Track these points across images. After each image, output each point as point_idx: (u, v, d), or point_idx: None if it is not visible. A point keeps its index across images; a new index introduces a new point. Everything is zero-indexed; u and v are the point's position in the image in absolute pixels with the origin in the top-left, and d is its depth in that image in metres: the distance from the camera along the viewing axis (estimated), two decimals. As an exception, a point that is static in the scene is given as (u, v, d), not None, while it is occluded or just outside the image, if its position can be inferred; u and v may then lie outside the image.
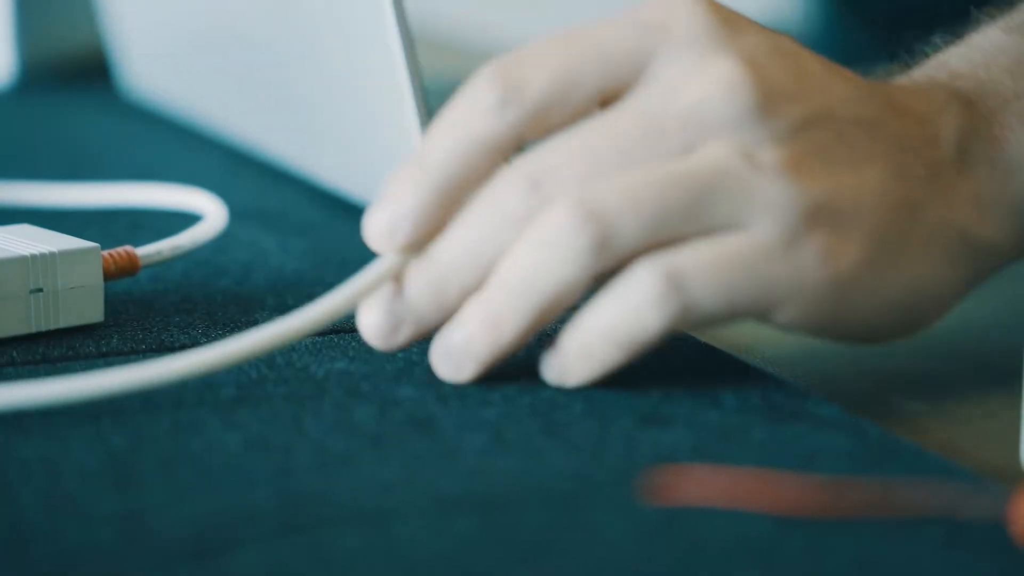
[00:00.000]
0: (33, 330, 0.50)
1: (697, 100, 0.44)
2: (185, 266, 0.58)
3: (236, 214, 0.60)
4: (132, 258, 0.52)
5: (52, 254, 0.50)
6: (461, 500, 0.39)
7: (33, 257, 0.49)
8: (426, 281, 0.46)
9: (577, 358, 0.45)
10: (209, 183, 0.69)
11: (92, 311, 0.51)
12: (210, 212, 0.58)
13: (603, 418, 0.44)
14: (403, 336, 0.46)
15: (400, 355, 0.49)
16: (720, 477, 0.39)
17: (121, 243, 0.53)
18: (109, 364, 0.46)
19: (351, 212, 0.67)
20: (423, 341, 0.47)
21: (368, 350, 0.49)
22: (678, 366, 0.48)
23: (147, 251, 0.53)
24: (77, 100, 0.96)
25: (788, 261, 0.44)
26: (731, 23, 0.45)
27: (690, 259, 0.43)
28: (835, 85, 0.46)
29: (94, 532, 0.37)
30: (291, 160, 0.73)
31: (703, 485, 0.38)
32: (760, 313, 0.45)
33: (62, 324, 0.50)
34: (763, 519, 0.37)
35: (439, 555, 0.36)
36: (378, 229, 0.46)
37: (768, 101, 0.44)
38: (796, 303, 0.44)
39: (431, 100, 0.59)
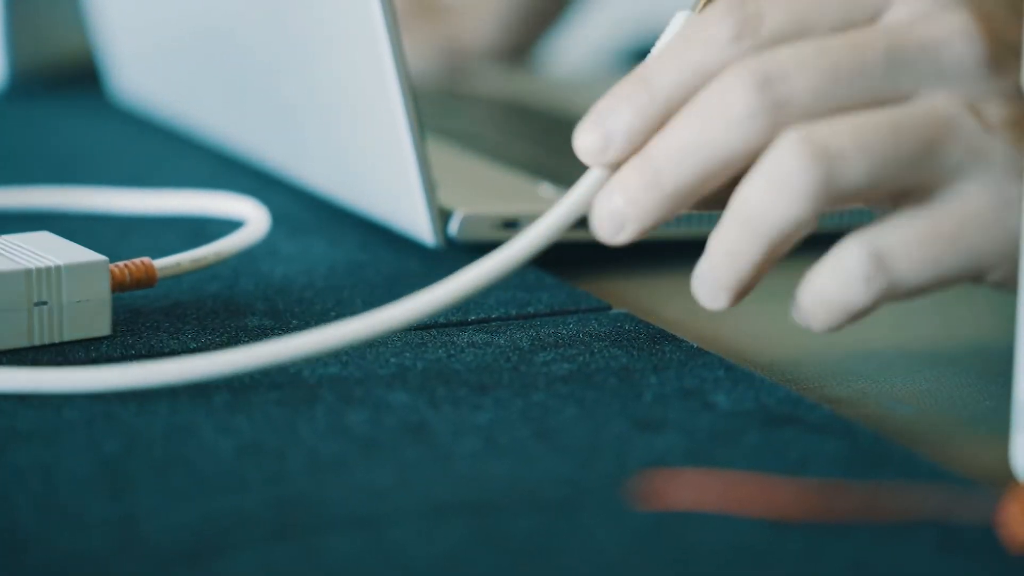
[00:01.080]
0: (35, 342, 0.49)
1: (936, 40, 0.44)
2: (175, 271, 0.58)
3: (225, 218, 0.60)
4: (149, 269, 0.52)
5: (57, 267, 0.49)
6: (454, 505, 0.39)
7: (37, 270, 0.49)
8: (641, 180, 0.46)
9: (807, 315, 0.46)
10: (198, 186, 0.69)
11: (99, 324, 0.51)
12: (251, 218, 0.59)
13: (595, 422, 0.44)
14: (628, 233, 0.48)
15: (393, 360, 0.49)
16: (713, 481, 0.39)
17: (169, 252, 0.53)
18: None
19: (340, 217, 0.67)
20: (410, 344, 0.47)
21: (361, 355, 0.49)
22: (671, 370, 0.48)
23: (165, 263, 0.53)
24: (67, 106, 0.96)
25: (1000, 225, 0.44)
26: None
27: (897, 237, 0.44)
28: None
29: (88, 537, 0.37)
30: (280, 165, 0.73)
31: (695, 489, 0.38)
32: (971, 278, 0.45)
33: (67, 337, 0.50)
34: (756, 523, 0.37)
35: (432, 560, 0.36)
36: (591, 145, 0.47)
37: (1000, 57, 0.44)
38: (1007, 266, 0.44)
39: (420, 103, 0.59)
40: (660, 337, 0.52)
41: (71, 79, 1.01)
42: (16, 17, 1.01)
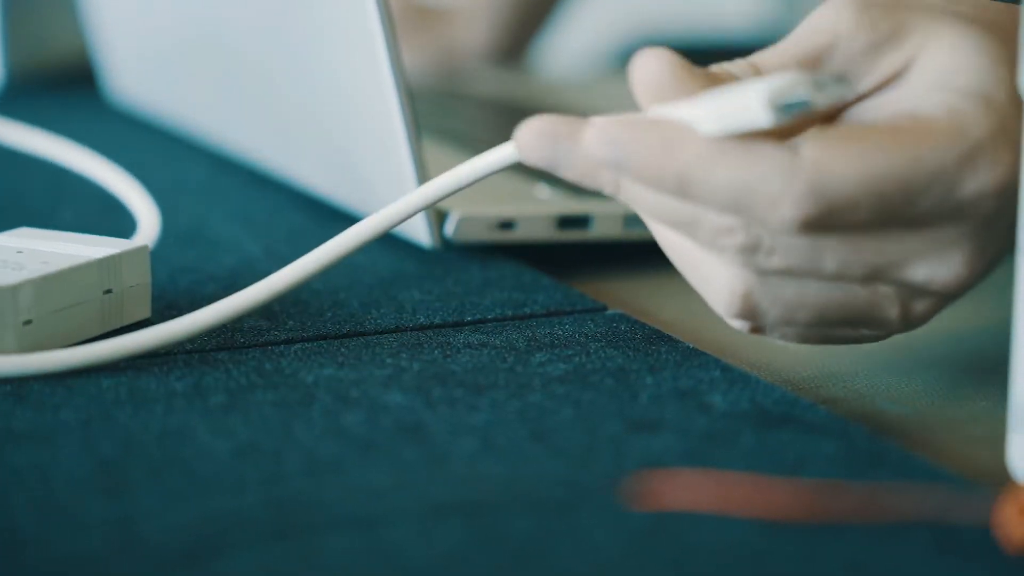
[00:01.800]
0: (104, 330, 0.50)
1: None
2: (171, 271, 0.58)
3: (222, 220, 0.60)
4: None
5: (119, 255, 0.51)
6: (451, 505, 0.39)
7: (105, 259, 0.50)
8: None
9: None
10: (194, 189, 0.69)
11: (143, 308, 0.52)
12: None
13: (592, 423, 0.44)
14: None
15: (389, 361, 0.49)
16: (709, 482, 0.39)
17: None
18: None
19: (337, 218, 0.67)
20: (407, 345, 0.47)
21: (357, 356, 0.49)
22: (667, 371, 0.48)
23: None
24: (63, 107, 0.96)
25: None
26: None
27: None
28: None
29: (85, 538, 0.37)
30: (276, 166, 0.73)
31: (692, 490, 0.38)
32: None
33: (125, 322, 0.51)
34: (752, 524, 0.37)
35: (429, 560, 0.36)
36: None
37: None
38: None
39: (416, 105, 0.59)
40: (656, 338, 0.52)
41: (67, 80, 1.01)
42: (13, 18, 1.01)
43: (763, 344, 0.52)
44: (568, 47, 1.40)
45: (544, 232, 0.62)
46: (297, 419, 0.44)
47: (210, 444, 0.42)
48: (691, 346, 0.50)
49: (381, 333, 0.52)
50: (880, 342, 0.49)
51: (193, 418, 0.44)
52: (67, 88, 1.01)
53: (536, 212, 0.61)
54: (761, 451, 0.42)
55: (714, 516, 0.37)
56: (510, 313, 0.54)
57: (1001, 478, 0.40)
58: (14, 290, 0.47)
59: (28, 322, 0.47)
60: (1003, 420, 0.41)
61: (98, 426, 0.43)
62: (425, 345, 0.51)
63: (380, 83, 0.58)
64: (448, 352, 0.50)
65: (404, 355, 0.50)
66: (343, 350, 0.50)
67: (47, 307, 0.48)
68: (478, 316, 0.54)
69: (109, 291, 0.50)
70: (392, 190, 0.61)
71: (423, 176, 0.59)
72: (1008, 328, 0.41)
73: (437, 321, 0.53)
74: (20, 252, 0.50)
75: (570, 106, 0.93)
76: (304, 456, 0.42)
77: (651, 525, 0.38)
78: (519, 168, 0.70)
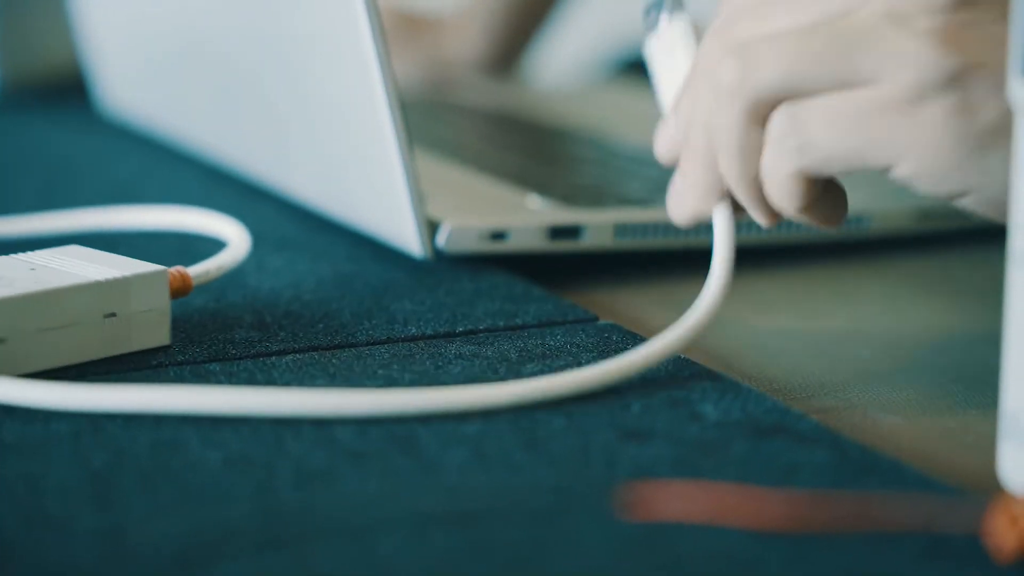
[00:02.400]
0: (109, 354, 0.49)
1: None
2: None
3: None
4: (186, 279, 0.52)
5: (125, 278, 0.49)
6: (442, 515, 0.39)
7: (107, 282, 0.49)
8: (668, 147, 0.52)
9: (773, 201, 0.49)
10: (186, 200, 0.69)
11: (160, 334, 0.51)
12: (232, 236, 0.59)
13: (583, 433, 0.44)
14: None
15: (380, 372, 0.49)
16: (700, 492, 0.39)
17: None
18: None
19: (328, 229, 0.67)
20: (398, 356, 0.47)
21: (348, 367, 0.49)
22: (658, 381, 0.48)
23: (197, 271, 0.54)
24: (55, 118, 0.96)
25: (912, 114, 0.46)
26: None
27: (814, 104, 0.47)
28: None
29: (75, 549, 0.37)
30: (267, 177, 0.73)
31: (683, 500, 0.38)
32: (881, 163, 0.47)
33: (134, 347, 0.50)
34: (743, 534, 0.37)
35: (420, 570, 0.36)
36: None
37: None
38: (917, 156, 0.46)
39: (408, 115, 0.59)
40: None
41: (59, 91, 1.01)
42: (5, 30, 1.01)
43: (755, 354, 0.52)
44: (560, 57, 1.40)
45: (535, 242, 0.62)
46: (288, 430, 0.44)
47: (201, 455, 0.42)
48: (682, 356, 0.50)
49: (373, 344, 0.52)
50: (870, 353, 0.49)
51: (184, 429, 0.44)
52: (59, 99, 1.01)
53: (527, 222, 0.62)
54: (752, 460, 0.42)
55: (705, 526, 0.37)
56: (502, 324, 0.54)
57: (992, 487, 0.40)
58: None
59: (2, 341, 0.47)
60: (994, 429, 0.41)
61: (89, 437, 0.43)
62: (417, 356, 0.51)
63: (371, 93, 0.58)
64: (440, 363, 0.50)
65: (396, 366, 0.50)
66: (335, 361, 0.50)
67: (27, 326, 0.47)
68: (470, 327, 0.54)
69: (112, 315, 0.49)
70: (383, 201, 0.61)
71: (414, 186, 0.59)
72: (998, 338, 0.41)
73: (429, 332, 0.53)
74: (33, 269, 0.50)
75: (562, 116, 0.94)
76: (294, 467, 0.42)
77: (642, 535, 0.38)
78: (510, 178, 0.71)
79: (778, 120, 0.47)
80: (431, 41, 1.14)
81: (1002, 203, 0.46)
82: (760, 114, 0.48)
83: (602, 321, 0.55)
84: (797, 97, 0.47)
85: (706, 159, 0.50)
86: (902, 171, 0.46)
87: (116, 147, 0.88)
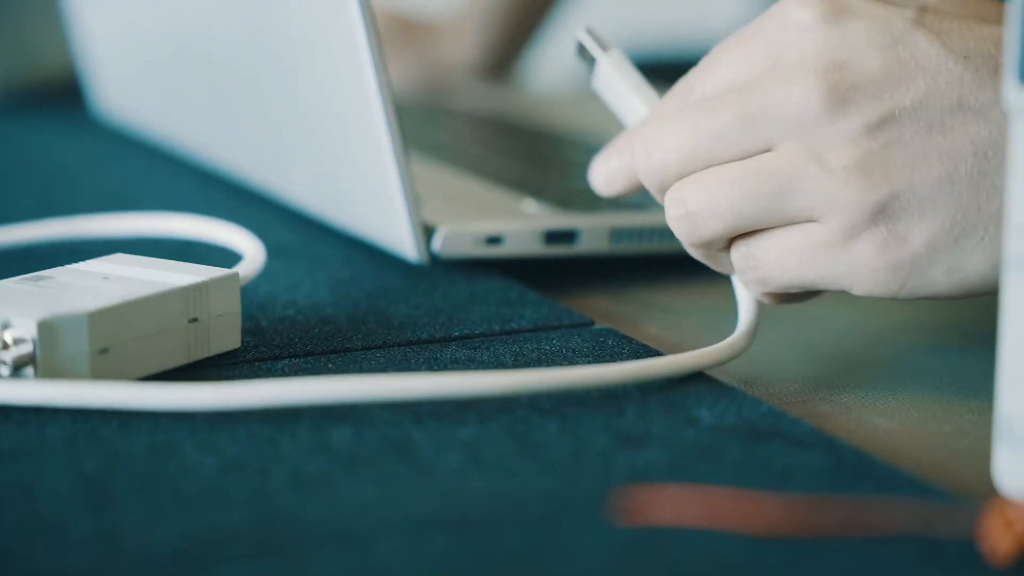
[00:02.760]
0: (189, 360, 0.49)
1: (780, 96, 0.48)
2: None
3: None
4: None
5: (205, 283, 0.49)
6: (437, 520, 0.39)
7: (191, 287, 0.49)
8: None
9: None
10: (182, 204, 0.69)
11: (234, 337, 0.51)
12: (246, 247, 0.59)
13: (579, 437, 0.44)
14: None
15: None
16: (695, 496, 0.39)
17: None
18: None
19: (324, 233, 0.67)
20: (394, 360, 0.47)
21: (343, 371, 0.49)
22: (653, 385, 0.48)
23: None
24: (50, 123, 0.96)
25: (845, 252, 0.48)
26: (840, 13, 0.48)
27: (763, 244, 0.50)
28: (931, 70, 0.47)
29: (70, 554, 0.37)
30: (263, 182, 0.73)
31: (678, 504, 0.38)
32: (831, 288, 0.50)
33: (212, 351, 0.50)
34: (738, 538, 0.37)
35: (414, 575, 0.36)
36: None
37: (841, 103, 0.47)
38: (861, 285, 0.48)
39: (404, 120, 0.59)
40: (642, 352, 0.52)
41: (54, 96, 1.01)
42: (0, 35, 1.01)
43: (750, 358, 0.52)
44: (556, 61, 1.40)
45: (531, 247, 0.62)
46: (283, 435, 0.44)
47: (196, 460, 0.42)
48: (678, 360, 0.50)
49: (368, 349, 0.52)
50: (865, 358, 0.49)
51: (179, 434, 0.44)
52: (54, 104, 1.01)
53: (523, 227, 0.62)
54: (747, 465, 0.42)
55: (700, 530, 0.37)
56: (497, 328, 0.54)
57: (987, 490, 0.40)
58: (90, 317, 0.46)
59: (104, 350, 0.46)
60: (988, 433, 0.41)
61: (83, 442, 0.43)
62: (412, 360, 0.51)
63: (367, 98, 0.58)
64: (435, 367, 0.50)
65: (391, 370, 0.50)
66: (330, 366, 0.50)
67: (126, 335, 0.47)
68: (465, 331, 0.54)
69: (195, 320, 0.49)
70: (379, 205, 0.61)
71: (410, 191, 0.59)
72: (993, 342, 0.41)
73: (424, 336, 0.53)
74: (106, 279, 0.49)
75: (557, 120, 0.94)
76: (290, 472, 0.42)
77: (637, 539, 0.38)
78: (506, 182, 0.71)
79: (736, 257, 0.51)
80: (427, 45, 1.14)
81: (959, 295, 0.48)
82: (718, 248, 0.51)
83: (597, 325, 0.55)
84: (746, 235, 0.50)
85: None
86: (858, 292, 0.49)
87: (112, 152, 0.88)
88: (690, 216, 0.50)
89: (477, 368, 0.50)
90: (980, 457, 0.43)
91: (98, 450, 0.43)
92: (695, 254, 0.52)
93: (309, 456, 0.43)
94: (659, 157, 0.51)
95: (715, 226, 0.50)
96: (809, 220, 0.48)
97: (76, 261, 0.52)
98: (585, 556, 0.37)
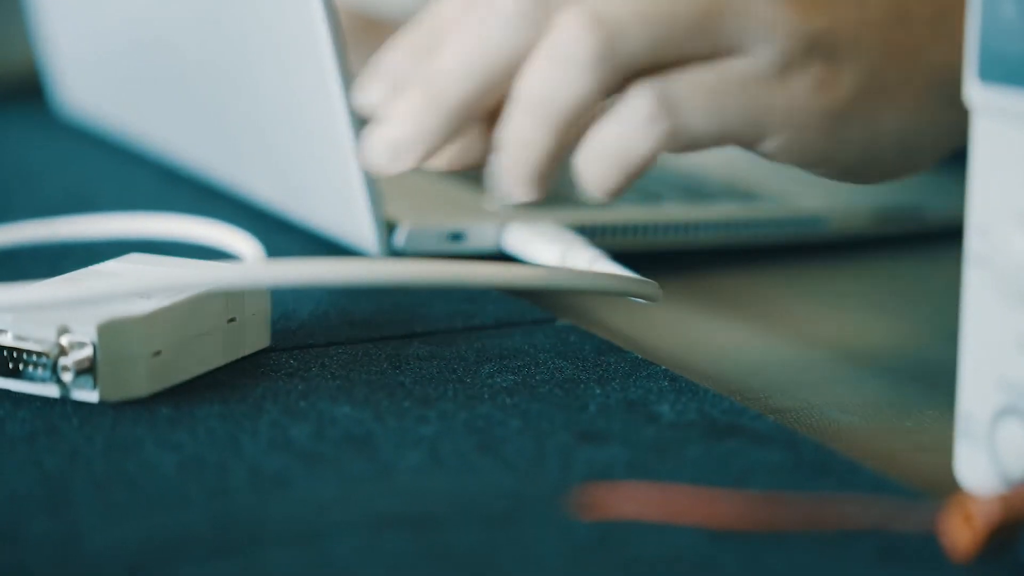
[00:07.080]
0: (226, 360, 0.49)
1: None
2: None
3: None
4: None
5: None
6: (397, 518, 0.39)
7: (228, 287, 0.48)
8: (421, 100, 0.47)
9: (584, 176, 0.46)
10: (143, 201, 0.68)
11: (263, 336, 0.50)
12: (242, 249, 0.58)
13: (539, 435, 0.44)
14: (408, 159, 0.48)
15: (339, 373, 0.49)
16: (655, 493, 0.39)
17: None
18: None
19: (286, 229, 0.67)
20: (355, 357, 0.47)
21: (305, 368, 0.49)
22: (615, 382, 0.48)
23: None
24: (11, 119, 0.95)
25: (781, 88, 0.45)
26: None
27: (684, 82, 0.45)
28: None
29: (27, 555, 0.36)
30: (226, 177, 0.73)
31: (638, 501, 0.38)
32: (750, 140, 0.46)
33: (246, 351, 0.49)
34: (697, 534, 0.37)
35: (375, 574, 0.36)
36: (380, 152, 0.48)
37: None
38: (786, 131, 0.45)
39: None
40: (605, 349, 0.52)
41: (14, 92, 1.01)
42: (-41, 30, 1.00)
43: (711, 354, 0.52)
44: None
45: (494, 243, 0.61)
46: (243, 432, 0.44)
47: (155, 458, 0.42)
48: (640, 357, 0.50)
49: (330, 345, 0.52)
50: (827, 353, 0.49)
51: (139, 431, 0.44)
52: (14, 100, 1.00)
53: (486, 223, 0.61)
54: (708, 461, 0.42)
55: (660, 527, 0.37)
56: (459, 325, 0.54)
57: (949, 486, 0.40)
58: (147, 319, 0.45)
59: (158, 353, 0.46)
60: (950, 429, 0.41)
61: (42, 439, 0.43)
62: (374, 356, 0.51)
63: (328, 95, 0.58)
64: (397, 364, 0.50)
65: (353, 367, 0.49)
66: (291, 362, 0.50)
67: (175, 337, 0.46)
68: (427, 328, 0.54)
69: (233, 319, 0.49)
70: (341, 201, 0.60)
71: (372, 187, 0.59)
72: (955, 338, 0.41)
73: (386, 333, 0.53)
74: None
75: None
76: (250, 470, 0.41)
77: (597, 536, 0.37)
78: (469, 177, 0.70)
79: (644, 102, 0.45)
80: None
81: (854, 171, 0.47)
82: (612, 89, 0.45)
83: (560, 322, 0.55)
84: (661, 71, 0.45)
85: (546, 119, 0.46)
86: (767, 146, 0.46)
87: (73, 148, 0.88)
88: (607, 24, 0.43)
89: (439, 364, 0.50)
90: (942, 453, 0.43)
91: (57, 447, 0.42)
92: (581, 94, 0.44)
93: (269, 454, 0.42)
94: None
95: (639, 42, 0.44)
96: (738, 51, 0.45)
97: (66, 264, 0.51)
98: (546, 553, 0.37)
